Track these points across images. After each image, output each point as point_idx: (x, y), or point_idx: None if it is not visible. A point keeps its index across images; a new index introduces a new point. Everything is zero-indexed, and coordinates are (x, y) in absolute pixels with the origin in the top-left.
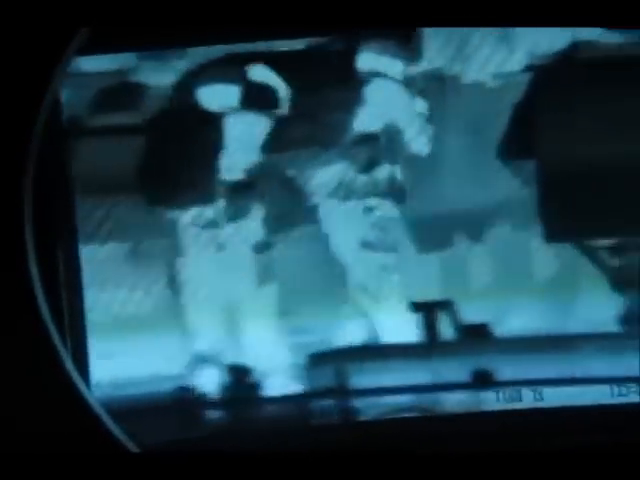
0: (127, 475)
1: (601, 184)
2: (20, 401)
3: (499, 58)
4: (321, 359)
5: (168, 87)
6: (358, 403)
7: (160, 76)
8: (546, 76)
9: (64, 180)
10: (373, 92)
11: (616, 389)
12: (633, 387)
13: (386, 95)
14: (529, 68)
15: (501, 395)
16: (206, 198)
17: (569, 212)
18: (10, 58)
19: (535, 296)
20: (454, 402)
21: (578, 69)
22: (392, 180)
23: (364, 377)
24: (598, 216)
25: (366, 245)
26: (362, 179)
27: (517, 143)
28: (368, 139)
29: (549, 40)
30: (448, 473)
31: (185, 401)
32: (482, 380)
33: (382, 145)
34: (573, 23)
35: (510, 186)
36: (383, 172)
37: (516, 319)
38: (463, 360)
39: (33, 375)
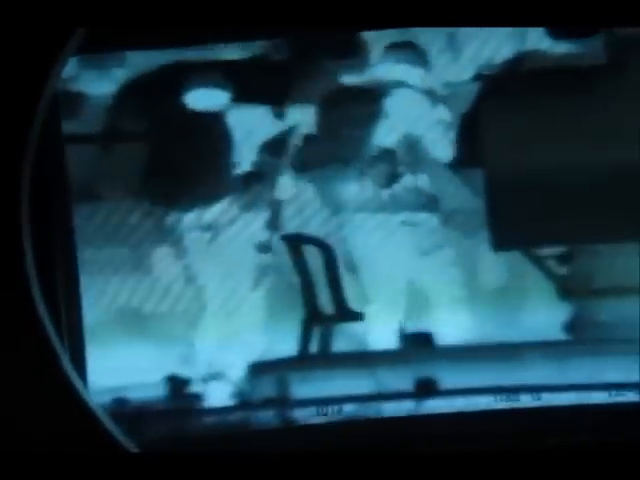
0: (126, 475)
1: (548, 192)
2: (19, 401)
3: (446, 66)
4: (263, 369)
5: (108, 96)
6: (299, 413)
7: (100, 85)
8: (493, 85)
9: (61, 182)
10: (392, 102)
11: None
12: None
13: (406, 104)
14: (477, 77)
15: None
16: (206, 201)
17: (517, 220)
18: (6, 59)
19: (481, 304)
20: (397, 412)
21: (525, 78)
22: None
23: (307, 387)
24: (546, 224)
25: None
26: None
27: (465, 151)
28: (387, 151)
29: (496, 50)
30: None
31: (125, 411)
32: (426, 389)
33: (402, 156)
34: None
35: (458, 194)
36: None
37: (462, 327)
38: (407, 369)
39: (32, 376)
